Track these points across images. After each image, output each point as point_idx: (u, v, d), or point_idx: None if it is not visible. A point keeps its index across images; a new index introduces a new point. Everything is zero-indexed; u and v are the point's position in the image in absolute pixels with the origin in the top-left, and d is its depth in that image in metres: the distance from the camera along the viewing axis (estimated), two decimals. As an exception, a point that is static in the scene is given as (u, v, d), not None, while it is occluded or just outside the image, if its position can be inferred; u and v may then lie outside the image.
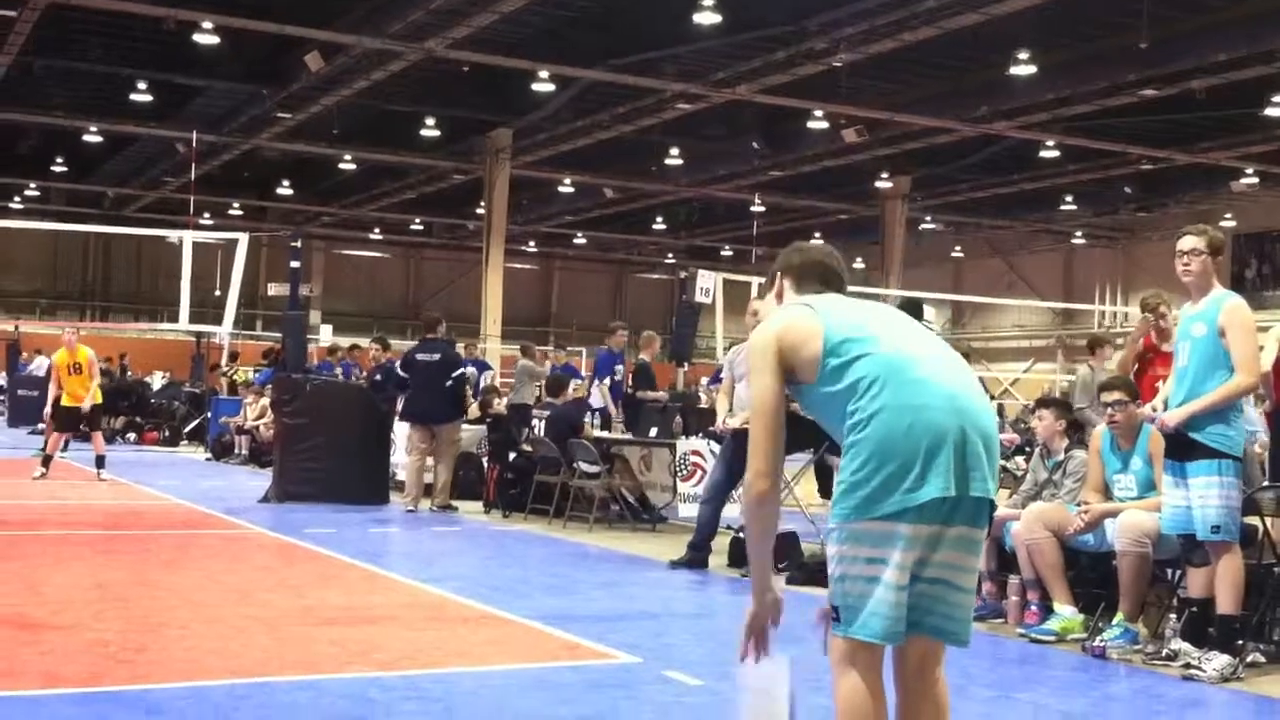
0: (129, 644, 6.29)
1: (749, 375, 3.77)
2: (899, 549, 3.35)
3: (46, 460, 15.31)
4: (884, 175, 39.63)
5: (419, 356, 13.62)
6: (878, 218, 43.91)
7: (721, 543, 9.77)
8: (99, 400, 15.77)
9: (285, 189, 44.93)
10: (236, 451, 19.77)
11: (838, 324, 3.53)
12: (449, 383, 13.38)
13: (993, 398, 25.75)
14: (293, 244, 14.70)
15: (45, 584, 8.07)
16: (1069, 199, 40.10)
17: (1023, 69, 24.66)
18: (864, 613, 3.43)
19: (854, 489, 3.38)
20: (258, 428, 18.99)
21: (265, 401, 19.05)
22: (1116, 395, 7.28)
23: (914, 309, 10.69)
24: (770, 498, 3.64)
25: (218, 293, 20.32)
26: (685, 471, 12.37)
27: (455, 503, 13.42)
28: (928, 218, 45.34)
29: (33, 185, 45.92)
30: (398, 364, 14.23)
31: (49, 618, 6.88)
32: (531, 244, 54.82)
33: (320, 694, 5.52)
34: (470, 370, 14.26)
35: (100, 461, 15.32)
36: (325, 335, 25.27)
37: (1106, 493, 7.28)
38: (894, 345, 3.49)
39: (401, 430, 14.92)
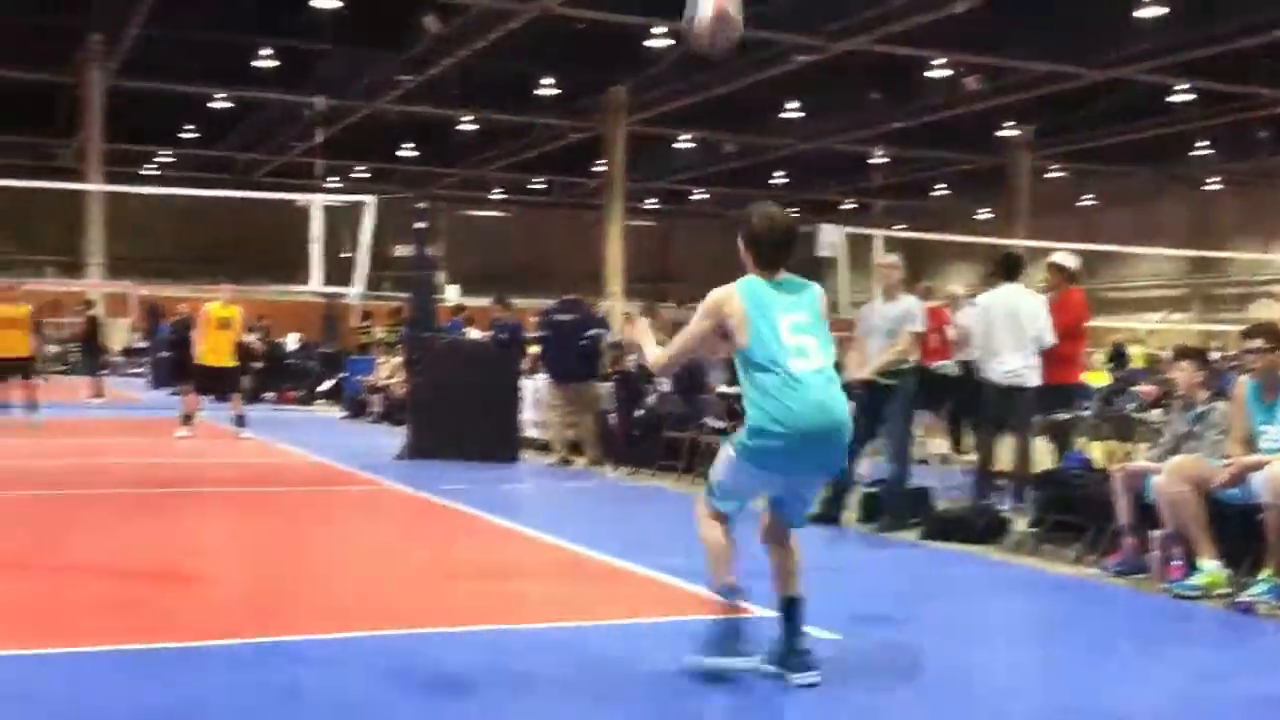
0: (274, 597, 6.48)
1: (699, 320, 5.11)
2: (767, 484, 5.18)
3: (188, 419, 15.78)
4: (1007, 124, 38.84)
5: (557, 316, 13.84)
6: (1001, 167, 43.08)
7: (853, 498, 9.72)
8: (235, 362, 16.17)
9: (408, 151, 45.48)
10: (370, 410, 20.17)
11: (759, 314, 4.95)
12: (582, 341, 13.56)
13: (1121, 356, 25.15)
14: (417, 205, 14.88)
15: (192, 540, 8.34)
16: (1202, 144, 38.87)
17: (1150, 10, 23.93)
18: (730, 499, 5.28)
19: (753, 437, 4.93)
20: (390, 386, 19.35)
21: (397, 360, 19.40)
22: (1258, 342, 7.07)
23: (1014, 265, 10.48)
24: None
25: (346, 254, 20.65)
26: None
27: (577, 459, 13.63)
28: (1053, 166, 44.31)
29: (165, 152, 47.14)
30: (538, 322, 14.44)
31: (197, 572, 7.12)
32: (650, 201, 54.81)
33: (458, 645, 5.64)
34: (601, 331, 14.33)
35: (240, 421, 15.76)
36: (451, 295, 25.56)
37: (1252, 444, 7.08)
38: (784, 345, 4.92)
39: (529, 387, 15.10)
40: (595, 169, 43.10)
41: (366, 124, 39.33)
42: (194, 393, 16.08)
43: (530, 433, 15.01)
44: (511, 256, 53.47)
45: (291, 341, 29.16)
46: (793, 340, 4.88)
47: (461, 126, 40.73)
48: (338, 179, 44.57)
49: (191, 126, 42.93)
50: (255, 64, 32.85)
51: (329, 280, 19.15)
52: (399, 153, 45.55)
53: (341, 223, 21.50)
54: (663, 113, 37.14)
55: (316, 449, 14.69)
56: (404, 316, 25.94)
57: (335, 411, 22.01)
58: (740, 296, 4.95)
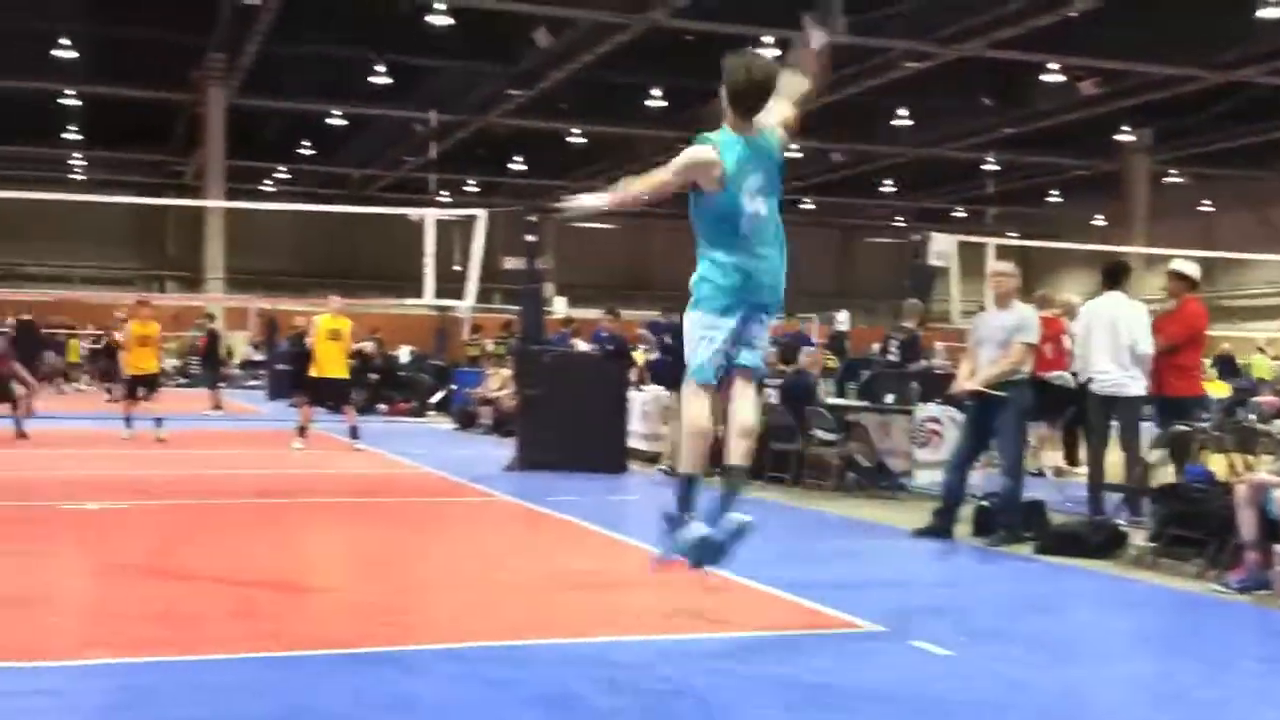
0: (389, 606, 6.57)
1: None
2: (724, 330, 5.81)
3: (302, 431, 16.09)
4: (1124, 128, 38.08)
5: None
6: (1117, 172, 42.23)
7: (966, 511, 9.58)
8: (347, 373, 16.44)
9: (517, 164, 45.93)
10: (480, 421, 20.38)
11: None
12: None
13: (1229, 365, 24.41)
14: (528, 218, 15.01)
15: (307, 550, 8.50)
16: (1326, 147, 37.72)
17: (1273, 11, 23.29)
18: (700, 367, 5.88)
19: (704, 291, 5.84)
20: (499, 398, 19.54)
21: (506, 372, 19.59)
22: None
23: (1119, 273, 10.31)
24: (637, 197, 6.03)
25: (456, 267, 20.90)
26: (923, 438, 12.19)
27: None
28: (1172, 170, 43.30)
29: (282, 168, 48.19)
30: (655, 332, 14.54)
31: (312, 582, 7.26)
32: (758, 210, 54.68)
33: (569, 657, 5.66)
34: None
35: (354, 432, 16.02)
36: (559, 307, 25.75)
37: (1383, 458, 6.86)
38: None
39: (637, 399, 15.15)
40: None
41: (477, 138, 39.82)
42: (308, 404, 16.39)
43: (638, 444, 15.05)
44: (618, 268, 53.70)
45: (404, 354, 29.59)
46: (750, 203, 5.67)
47: (570, 139, 41.04)
48: (448, 193, 45.15)
49: (308, 143, 43.84)
50: (370, 80, 33.45)
51: (440, 293, 19.43)
52: (508, 166, 46.04)
53: (453, 236, 21.82)
54: (770, 123, 37.10)
55: (427, 460, 14.88)
56: (513, 329, 26.28)
57: (445, 423, 22.28)
58: (719, 157, 5.63)
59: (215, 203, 36.11)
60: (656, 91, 35.40)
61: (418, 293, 19.48)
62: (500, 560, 8.25)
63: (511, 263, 19.70)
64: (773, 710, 4.84)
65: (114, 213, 49.02)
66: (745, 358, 5.92)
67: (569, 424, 13.53)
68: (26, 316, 21.92)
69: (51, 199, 43.42)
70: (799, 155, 43.16)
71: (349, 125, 40.08)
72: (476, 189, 48.41)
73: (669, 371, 14.49)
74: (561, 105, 35.61)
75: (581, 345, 16.74)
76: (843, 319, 21.89)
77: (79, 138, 43.31)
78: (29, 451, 14.97)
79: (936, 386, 12.80)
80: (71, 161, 48.43)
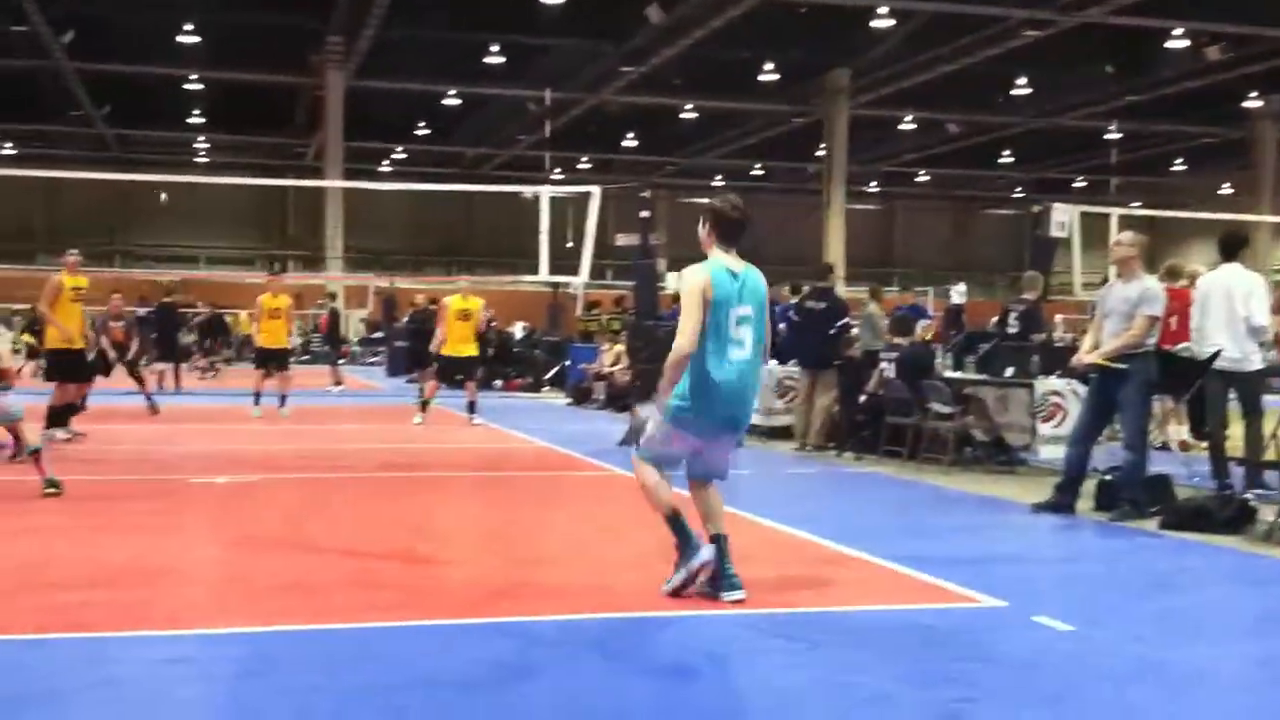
0: (509, 578, 6.67)
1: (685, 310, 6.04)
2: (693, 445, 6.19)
3: (424, 406, 16.36)
4: (1252, 94, 36.94)
5: (809, 303, 13.95)
6: (1245, 140, 41.02)
7: (1088, 486, 9.42)
8: (474, 351, 16.72)
9: (630, 141, 46.00)
10: (594, 397, 20.52)
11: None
12: (832, 330, 13.63)
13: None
14: (641, 194, 15.05)
15: (429, 522, 8.65)
16: None
17: None
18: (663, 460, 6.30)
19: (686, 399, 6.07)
20: (613, 373, 19.66)
21: (620, 348, 19.68)
22: None
23: (1236, 244, 10.06)
24: (685, 361, 6.01)
25: (569, 244, 21.02)
26: (1045, 412, 11.99)
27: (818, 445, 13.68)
28: (1304, 137, 41.94)
29: (399, 149, 48.85)
30: (788, 309, 14.57)
31: (435, 553, 7.39)
32: (872, 184, 54.10)
33: (688, 630, 5.69)
34: (850, 320, 14.35)
35: (472, 407, 16.25)
36: (672, 282, 25.75)
37: None
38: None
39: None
40: (816, 153, 42.76)
41: (590, 116, 39.95)
42: (435, 380, 16.67)
43: (751, 418, 15.03)
44: (733, 243, 53.48)
45: (518, 330, 29.87)
46: (735, 331, 6.04)
47: (683, 115, 40.98)
48: (561, 170, 45.44)
49: (424, 123, 44.37)
50: (484, 61, 33.74)
51: (553, 270, 19.56)
52: (622, 142, 46.13)
53: (566, 213, 21.95)
54: (885, 94, 36.61)
55: (543, 435, 15.03)
56: (625, 305, 26.34)
57: (560, 399, 22.46)
58: (712, 283, 6.03)
59: (334, 183, 36.76)
60: (769, 65, 35.17)
61: (531, 269, 19.63)
62: (617, 533, 8.31)
63: (624, 239, 19.77)
64: (895, 685, 4.82)
65: (237, 194, 50.23)
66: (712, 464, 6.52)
67: (683, 398, 13.53)
68: (169, 299, 22.51)
69: (178, 181, 44.66)
70: (913, 127, 42.64)
71: (464, 105, 40.49)
72: (589, 166, 48.62)
73: (791, 347, 14.47)
74: (674, 81, 35.56)
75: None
76: (959, 292, 21.55)
77: (203, 121, 44.37)
78: (162, 427, 15.41)
79: (1057, 359, 12.57)
80: (196, 145, 49.67)
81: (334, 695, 4.53)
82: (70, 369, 13.12)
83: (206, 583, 6.50)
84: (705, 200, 6.35)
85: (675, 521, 6.26)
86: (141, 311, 21.42)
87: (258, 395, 17.05)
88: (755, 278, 6.22)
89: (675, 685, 4.81)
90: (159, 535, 7.87)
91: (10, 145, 48.76)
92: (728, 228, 6.26)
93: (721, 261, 6.16)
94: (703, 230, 6.31)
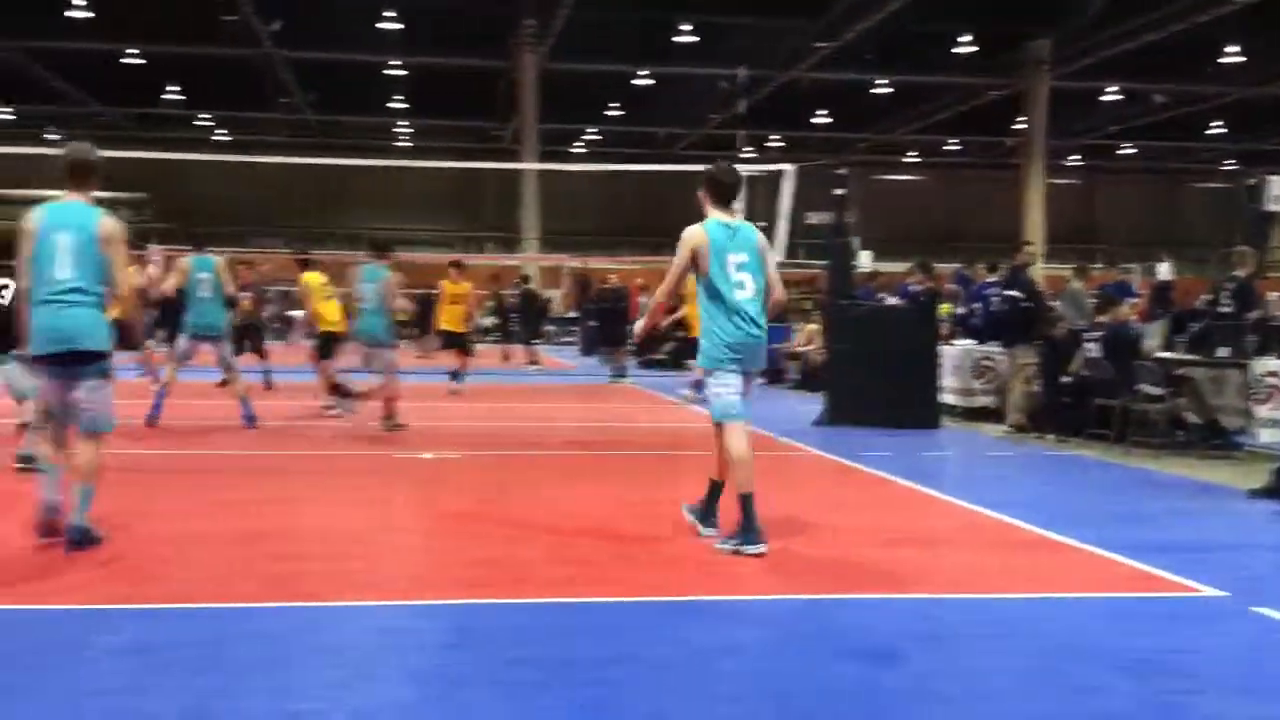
0: (706, 558, 6.68)
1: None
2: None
3: (698, 385, 16.74)
4: None
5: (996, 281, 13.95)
6: None
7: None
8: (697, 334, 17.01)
9: (821, 118, 45.56)
10: (787, 376, 20.42)
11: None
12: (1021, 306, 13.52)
13: None
14: (838, 172, 14.88)
15: (625, 499, 8.73)
16: None
17: None
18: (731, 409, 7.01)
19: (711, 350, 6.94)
20: (807, 353, 19.53)
21: (813, 327, 19.55)
22: None
23: None
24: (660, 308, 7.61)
25: (761, 224, 20.91)
26: (1262, 394, 11.46)
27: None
28: None
29: (592, 129, 49.36)
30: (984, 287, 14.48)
31: (631, 531, 7.45)
32: (1072, 158, 52.48)
33: (882, 613, 5.63)
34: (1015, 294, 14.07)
35: (699, 387, 16.38)
36: (864, 261, 25.46)
37: None
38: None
39: (948, 354, 14.87)
40: (1014, 127, 41.67)
41: (781, 93, 39.69)
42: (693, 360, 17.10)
43: (950, 399, 14.78)
44: (925, 220, 52.59)
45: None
46: (735, 275, 6.80)
47: (875, 90, 40.38)
48: (752, 149, 45.30)
49: (616, 104, 44.72)
50: (675, 40, 33.81)
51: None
52: (813, 120, 45.71)
53: (756, 192, 21.85)
54: (1087, 65, 35.42)
55: (737, 414, 15.02)
56: (817, 285, 26.09)
57: (753, 378, 22.42)
58: (708, 236, 6.80)
59: (527, 165, 37.35)
60: (965, 37, 34.39)
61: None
62: (813, 514, 8.26)
63: (815, 217, 19.58)
64: (1109, 674, 4.68)
65: (435, 177, 51.46)
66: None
67: (879, 379, 13.41)
68: (528, 285, 23.51)
69: (379, 165, 46.01)
70: (1117, 98, 41.16)
71: (656, 85, 40.66)
72: (781, 144, 48.33)
73: (989, 326, 14.22)
74: (867, 56, 35.06)
75: (889, 299, 16.52)
76: (1165, 269, 20.74)
77: (404, 107, 45.58)
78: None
79: (1274, 339, 12.01)
80: (397, 130, 51.08)
81: (538, 668, 4.62)
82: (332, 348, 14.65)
83: (416, 555, 6.69)
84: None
85: (715, 489, 7.27)
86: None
87: (453, 372, 17.86)
88: (748, 229, 6.99)
89: (876, 668, 4.75)
90: (370, 508, 8.13)
91: (224, 132, 50.97)
92: (721, 190, 7.02)
93: (716, 218, 6.91)
94: (700, 193, 7.04)
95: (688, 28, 33.30)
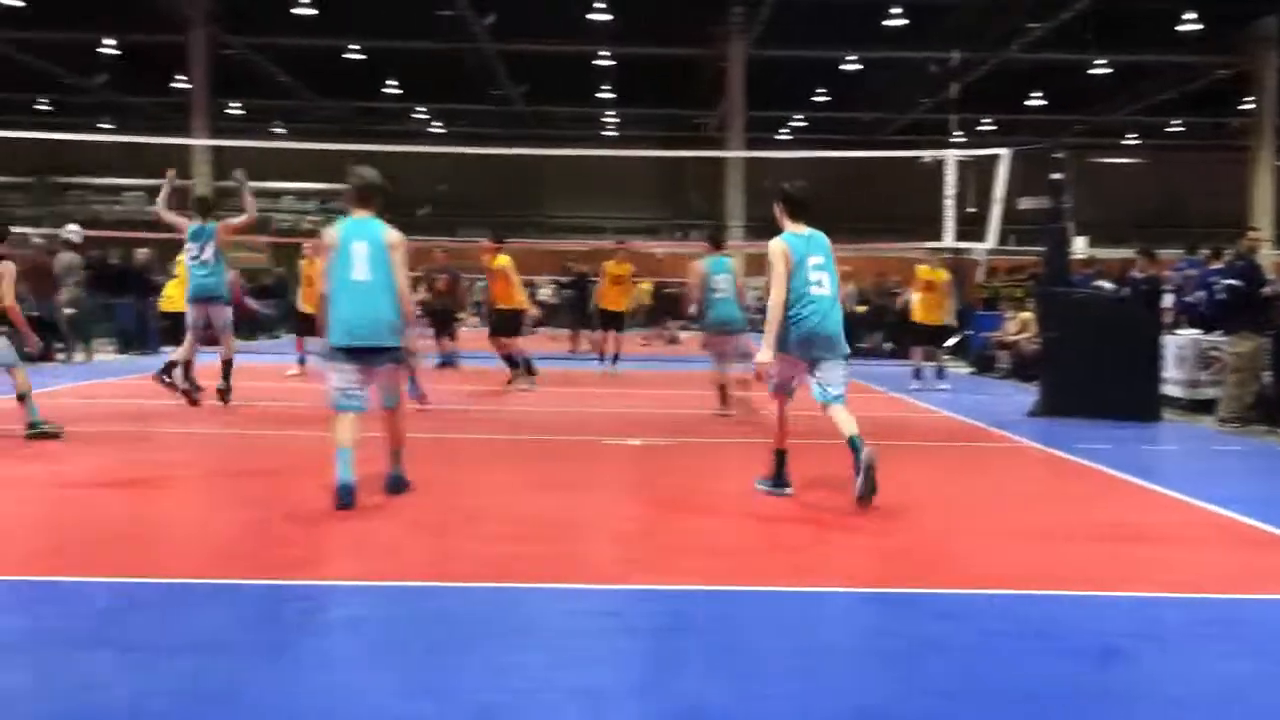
0: (912, 549, 6.61)
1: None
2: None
3: (919, 374, 16.89)
4: None
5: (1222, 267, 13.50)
6: None
7: None
8: (943, 321, 17.45)
9: (1035, 100, 44.32)
10: (998, 365, 19.98)
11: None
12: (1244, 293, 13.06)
13: None
14: (1054, 155, 14.43)
15: (834, 489, 8.67)
16: None
17: None
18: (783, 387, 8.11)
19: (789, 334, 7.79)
20: (1019, 341, 19.07)
21: (1026, 315, 19.07)
22: None
23: None
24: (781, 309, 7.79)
25: (971, 209, 20.50)
26: None
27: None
28: None
29: (798, 116, 49.05)
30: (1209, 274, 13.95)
31: (841, 521, 7.41)
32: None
33: (1101, 610, 5.47)
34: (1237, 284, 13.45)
35: (941, 373, 16.81)
36: (1079, 246, 24.67)
37: None
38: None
39: (1171, 343, 14.34)
40: (1241, 107, 39.79)
41: (993, 75, 38.76)
42: (922, 347, 17.30)
43: (1173, 391, 14.24)
44: (1142, 204, 50.66)
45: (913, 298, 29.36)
46: (813, 275, 7.80)
47: (1093, 71, 39.06)
48: (962, 133, 44.36)
49: (823, 90, 44.34)
50: (885, 23, 33.33)
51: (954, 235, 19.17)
52: (1026, 102, 44.50)
53: (967, 177, 21.40)
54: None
55: (945, 404, 14.78)
56: (1031, 270, 25.40)
57: (961, 367, 21.99)
58: (790, 247, 7.81)
59: (732, 153, 37.36)
60: (1189, 15, 32.96)
61: (929, 235, 19.33)
62: (1026, 507, 8.09)
63: (1028, 202, 19.06)
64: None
65: (641, 166, 51.91)
66: (823, 387, 8.01)
67: (1096, 369, 13.00)
68: (583, 268, 23.95)
69: (586, 155, 46.68)
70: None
71: (863, 69, 40.17)
72: (993, 127, 47.18)
73: (1214, 315, 13.68)
74: (1085, 35, 33.92)
75: (1107, 286, 16.01)
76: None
77: (612, 96, 46.09)
78: (564, 390, 16.18)
79: None
80: (605, 119, 51.68)
81: (749, 655, 4.64)
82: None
83: (625, 540, 6.79)
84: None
85: (779, 458, 8.29)
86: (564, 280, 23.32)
87: (604, 355, 18.95)
88: (820, 237, 8.02)
89: (1099, 668, 4.62)
90: (579, 493, 8.29)
91: (439, 124, 52.41)
92: (796, 206, 8.06)
93: (792, 230, 7.96)
94: (777, 209, 8.11)
95: (897, 10, 32.79)
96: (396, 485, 7.82)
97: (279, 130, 52.56)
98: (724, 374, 13.07)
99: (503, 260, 15.73)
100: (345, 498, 7.20)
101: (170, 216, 13.03)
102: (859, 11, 32.97)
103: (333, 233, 7.71)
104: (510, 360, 15.84)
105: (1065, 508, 8.13)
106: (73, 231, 21.16)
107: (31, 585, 5.56)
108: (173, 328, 17.54)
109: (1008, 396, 15.87)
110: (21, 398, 10.29)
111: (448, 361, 18.22)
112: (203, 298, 12.67)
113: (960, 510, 7.94)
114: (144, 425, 11.47)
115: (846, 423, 7.75)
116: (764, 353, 7.79)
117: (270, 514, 7.23)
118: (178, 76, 41.59)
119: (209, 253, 12.60)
